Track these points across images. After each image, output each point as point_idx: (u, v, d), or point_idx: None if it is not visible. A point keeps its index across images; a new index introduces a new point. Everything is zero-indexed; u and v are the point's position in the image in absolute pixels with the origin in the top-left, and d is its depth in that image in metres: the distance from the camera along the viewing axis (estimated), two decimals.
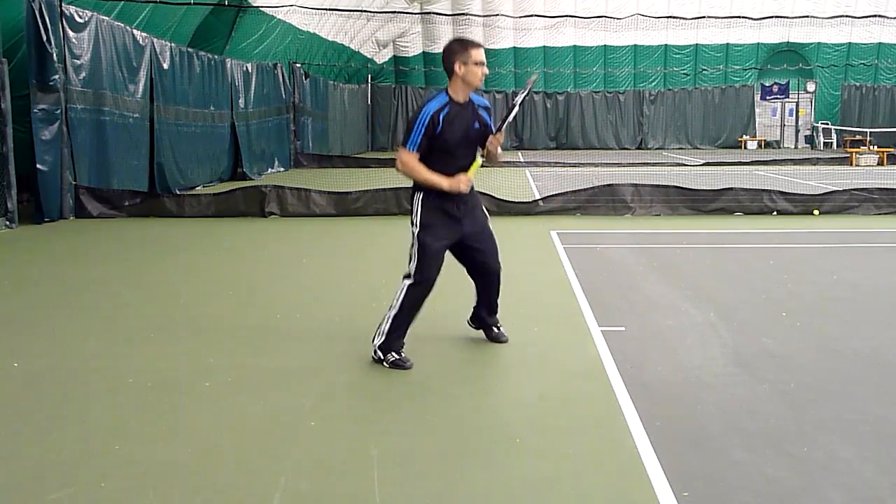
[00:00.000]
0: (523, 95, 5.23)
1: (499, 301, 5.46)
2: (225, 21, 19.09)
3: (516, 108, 5.22)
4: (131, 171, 14.00)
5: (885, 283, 7.57)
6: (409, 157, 4.89)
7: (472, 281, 5.40)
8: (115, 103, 13.55)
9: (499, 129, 5.06)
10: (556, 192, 13.30)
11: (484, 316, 5.49)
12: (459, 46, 4.95)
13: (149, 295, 7.26)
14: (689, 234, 10.92)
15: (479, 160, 5.07)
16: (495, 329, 5.52)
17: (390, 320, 4.99)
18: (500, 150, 5.11)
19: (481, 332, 5.58)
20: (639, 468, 3.55)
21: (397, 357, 4.97)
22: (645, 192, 12.97)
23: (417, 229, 4.97)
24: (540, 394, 4.59)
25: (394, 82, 37.75)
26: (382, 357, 4.99)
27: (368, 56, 34.66)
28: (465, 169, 5.00)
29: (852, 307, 6.62)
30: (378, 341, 5.01)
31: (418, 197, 5.00)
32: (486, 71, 5.00)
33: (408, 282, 4.98)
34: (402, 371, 4.91)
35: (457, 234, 5.06)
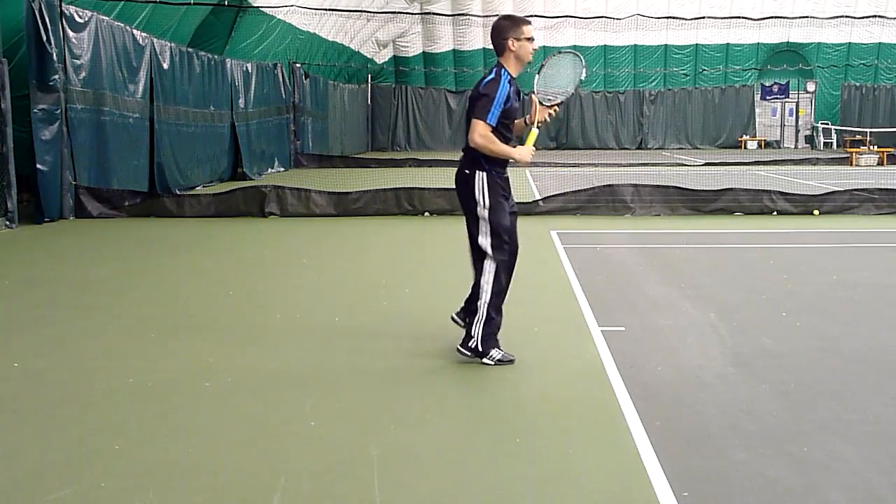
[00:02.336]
0: (581, 74, 5.32)
1: None
2: (225, 21, 19.09)
3: (574, 85, 5.33)
4: (131, 171, 14.00)
5: (885, 283, 7.57)
6: (487, 130, 4.90)
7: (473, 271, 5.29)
8: (115, 103, 13.55)
9: (556, 105, 5.24)
10: (557, 193, 13.31)
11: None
12: (510, 23, 5.03)
13: (149, 295, 7.26)
14: (689, 234, 10.92)
15: (535, 132, 5.16)
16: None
17: (486, 306, 4.93)
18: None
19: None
20: (639, 468, 3.55)
21: (501, 352, 4.99)
22: (645, 192, 12.97)
23: (488, 211, 4.99)
24: (540, 394, 4.59)
25: (394, 82, 37.74)
26: (483, 351, 4.95)
27: (368, 56, 34.66)
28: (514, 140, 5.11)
29: (852, 307, 6.62)
30: (478, 330, 4.94)
31: (481, 177, 4.99)
32: (537, 47, 5.12)
33: (492, 265, 4.97)
34: (402, 372, 4.91)
35: (509, 209, 5.14)
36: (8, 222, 11.17)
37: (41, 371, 4.98)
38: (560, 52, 5.39)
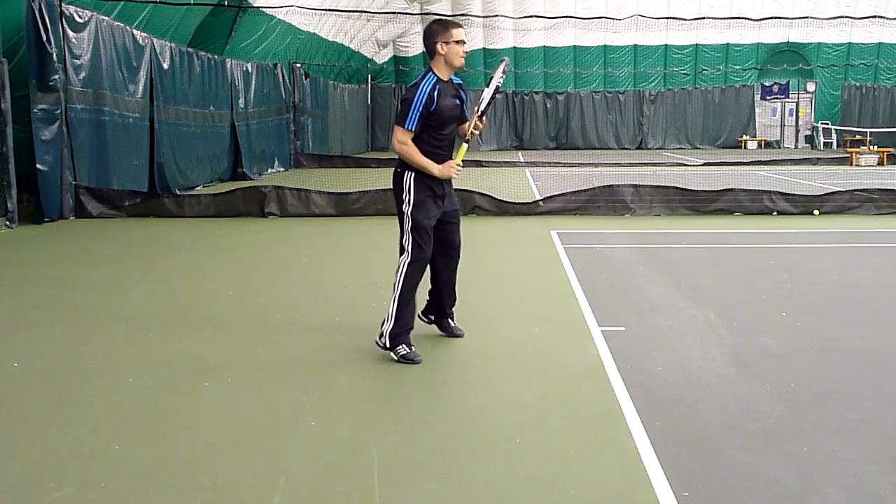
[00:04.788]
0: (499, 79, 5.31)
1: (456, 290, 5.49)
2: (225, 21, 19.09)
3: (492, 91, 5.28)
4: (131, 171, 14.01)
5: (885, 283, 7.57)
6: (406, 136, 5.00)
7: (431, 268, 5.38)
8: (115, 103, 13.55)
9: (482, 114, 5.18)
10: (557, 193, 13.31)
11: (445, 305, 5.49)
12: (440, 27, 5.10)
13: (149, 295, 7.26)
14: (689, 234, 10.92)
15: (464, 147, 5.22)
16: (451, 322, 5.56)
17: (396, 302, 5.04)
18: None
19: (482, 337, 5.52)
20: (639, 468, 3.55)
21: (407, 350, 5.01)
22: (645, 192, 12.98)
23: (411, 207, 5.06)
24: (540, 394, 4.59)
25: (394, 82, 37.74)
26: (391, 346, 5.03)
27: (368, 56, 34.65)
28: (448, 144, 5.14)
29: (852, 307, 6.62)
30: (388, 326, 5.03)
31: (410, 176, 5.08)
32: (467, 49, 5.15)
33: (406, 259, 5.07)
34: (402, 371, 4.91)
35: (440, 212, 5.18)
36: (8, 222, 11.17)
37: (41, 371, 4.98)
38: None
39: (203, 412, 4.28)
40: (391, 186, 5.23)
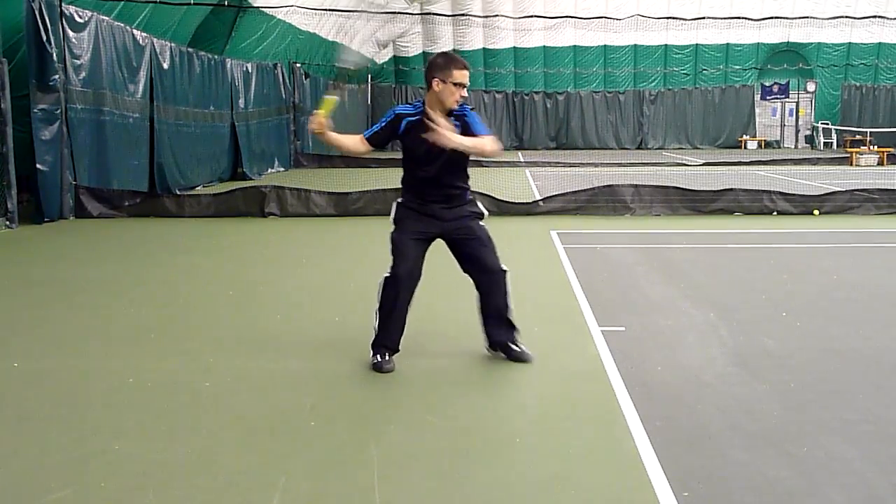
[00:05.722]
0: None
1: (511, 311, 5.11)
2: (225, 21, 19.09)
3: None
4: (131, 171, 14.01)
5: (885, 283, 7.57)
6: (355, 139, 5.11)
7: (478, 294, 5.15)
8: (115, 103, 13.55)
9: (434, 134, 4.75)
10: (557, 193, 13.31)
11: (492, 335, 5.12)
12: (443, 62, 4.85)
13: (149, 295, 7.26)
14: (689, 234, 10.92)
15: (333, 97, 5.06)
16: (514, 346, 5.11)
17: (376, 314, 5.04)
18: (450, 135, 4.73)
19: (482, 337, 5.39)
20: (639, 468, 3.55)
21: (378, 360, 4.95)
22: (645, 192, 12.98)
23: (392, 228, 5.12)
24: (540, 394, 4.59)
25: (394, 82, 37.74)
26: (371, 350, 5.03)
27: (368, 56, 34.65)
28: (432, 179, 4.92)
29: (852, 307, 6.61)
30: (373, 334, 5.06)
31: (395, 203, 5.14)
32: (465, 95, 4.85)
33: (385, 273, 5.07)
34: (402, 372, 4.91)
35: (434, 228, 5.00)
36: (8, 222, 11.17)
37: (41, 371, 4.98)
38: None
39: (203, 412, 4.28)
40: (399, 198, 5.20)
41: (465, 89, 4.84)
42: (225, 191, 13.35)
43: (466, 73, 4.85)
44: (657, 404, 4.33)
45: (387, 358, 4.97)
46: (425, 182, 4.96)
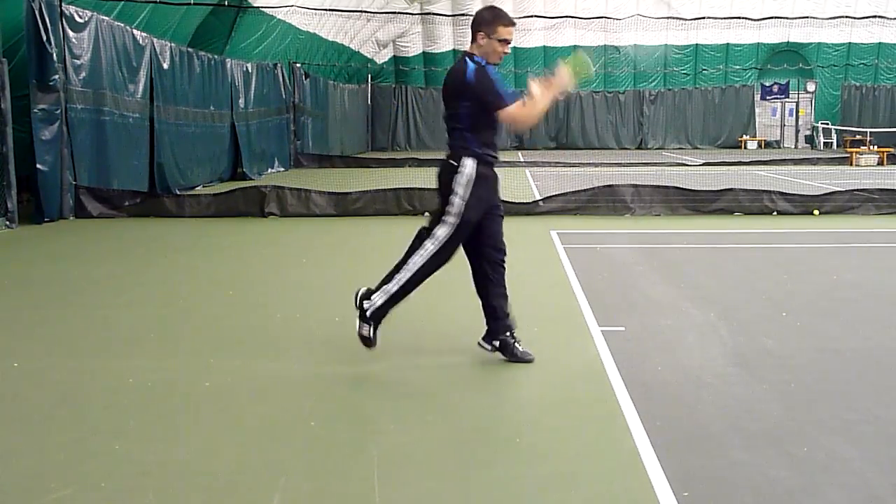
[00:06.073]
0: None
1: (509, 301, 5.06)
2: (225, 21, 19.08)
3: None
4: (131, 171, 14.00)
5: (885, 283, 7.57)
6: (517, 106, 4.72)
7: (479, 283, 5.07)
8: (115, 103, 13.54)
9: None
10: (557, 193, 13.30)
11: (499, 328, 5.01)
12: (490, 17, 4.81)
13: (149, 295, 7.26)
14: (689, 234, 10.91)
15: (586, 60, 4.83)
16: (519, 347, 5.05)
17: (401, 284, 4.77)
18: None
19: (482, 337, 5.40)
20: (639, 468, 3.55)
21: (372, 334, 4.81)
22: (645, 192, 12.97)
23: (465, 200, 4.74)
24: (540, 394, 4.59)
25: (394, 82, 37.73)
26: (368, 318, 4.77)
27: (368, 56, 34.65)
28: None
29: (852, 307, 6.61)
30: (378, 300, 4.78)
31: (473, 164, 4.76)
32: (508, 51, 4.85)
33: (434, 247, 4.79)
34: (402, 372, 4.91)
35: (487, 205, 4.89)
36: (8, 222, 11.16)
37: (41, 371, 4.98)
38: None
39: (203, 412, 4.28)
40: (437, 181, 4.87)
41: (509, 46, 4.83)
42: (225, 191, 13.35)
43: (512, 29, 4.84)
44: (657, 404, 4.33)
45: (378, 333, 4.86)
46: (496, 143, 4.87)
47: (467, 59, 4.85)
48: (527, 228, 11.20)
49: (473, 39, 4.85)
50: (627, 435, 3.91)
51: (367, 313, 4.82)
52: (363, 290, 4.90)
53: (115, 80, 13.56)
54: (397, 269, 4.88)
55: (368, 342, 4.86)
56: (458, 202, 4.77)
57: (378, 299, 4.83)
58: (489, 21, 4.81)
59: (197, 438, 3.92)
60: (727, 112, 38.57)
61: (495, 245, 5.01)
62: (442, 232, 4.81)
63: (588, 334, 5.73)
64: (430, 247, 4.81)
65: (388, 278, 4.88)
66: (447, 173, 4.83)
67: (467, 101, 4.78)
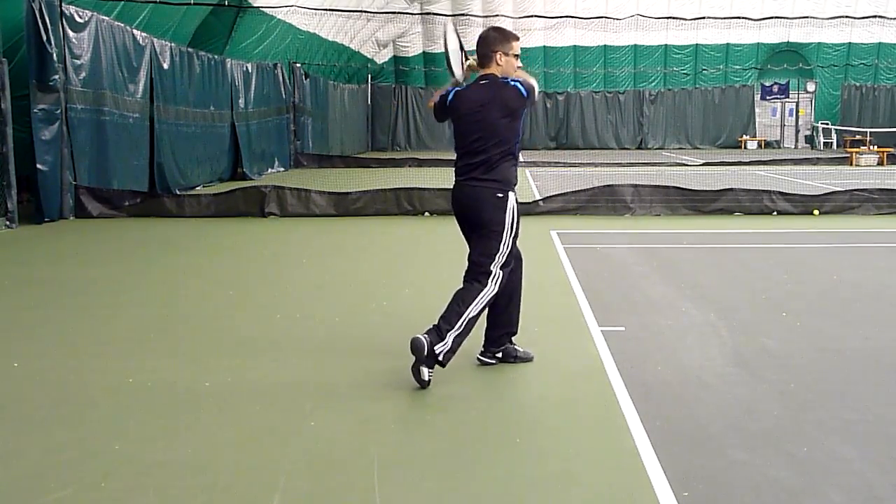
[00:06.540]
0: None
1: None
2: (225, 21, 19.09)
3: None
4: (131, 171, 14.01)
5: (886, 283, 7.57)
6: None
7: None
8: (115, 103, 13.55)
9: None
10: (557, 193, 13.32)
11: (513, 326, 5.03)
12: (501, 36, 4.85)
13: (149, 295, 7.26)
14: (689, 234, 10.91)
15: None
16: (518, 349, 5.11)
17: (464, 326, 4.65)
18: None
19: (481, 337, 5.22)
20: (639, 468, 3.55)
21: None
22: (645, 192, 12.98)
23: (512, 234, 4.77)
24: (540, 394, 4.59)
25: (394, 82, 37.74)
26: (442, 362, 4.63)
27: (368, 56, 34.65)
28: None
29: (852, 307, 6.61)
30: (446, 347, 4.59)
31: (513, 197, 4.76)
32: (521, 64, 4.93)
33: (490, 291, 4.73)
34: (402, 372, 4.90)
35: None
36: (8, 222, 11.17)
37: (41, 371, 4.98)
38: None
39: (203, 412, 4.28)
40: (471, 203, 4.79)
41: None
42: (225, 191, 13.36)
43: (518, 43, 4.92)
44: (657, 404, 4.33)
45: None
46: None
47: (503, 80, 4.79)
48: (527, 228, 11.13)
49: (489, 60, 4.81)
50: (627, 435, 3.91)
51: (440, 357, 4.60)
52: (423, 337, 4.58)
53: (116, 80, 13.56)
54: (457, 309, 4.71)
55: (426, 385, 4.62)
56: (506, 237, 4.76)
57: (449, 341, 4.64)
58: (503, 40, 4.84)
59: (197, 438, 3.92)
60: (727, 112, 38.58)
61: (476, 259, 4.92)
62: (497, 271, 4.77)
63: (588, 334, 5.73)
64: (484, 290, 4.76)
65: (448, 319, 4.69)
66: (491, 205, 4.76)
67: (519, 121, 4.82)
